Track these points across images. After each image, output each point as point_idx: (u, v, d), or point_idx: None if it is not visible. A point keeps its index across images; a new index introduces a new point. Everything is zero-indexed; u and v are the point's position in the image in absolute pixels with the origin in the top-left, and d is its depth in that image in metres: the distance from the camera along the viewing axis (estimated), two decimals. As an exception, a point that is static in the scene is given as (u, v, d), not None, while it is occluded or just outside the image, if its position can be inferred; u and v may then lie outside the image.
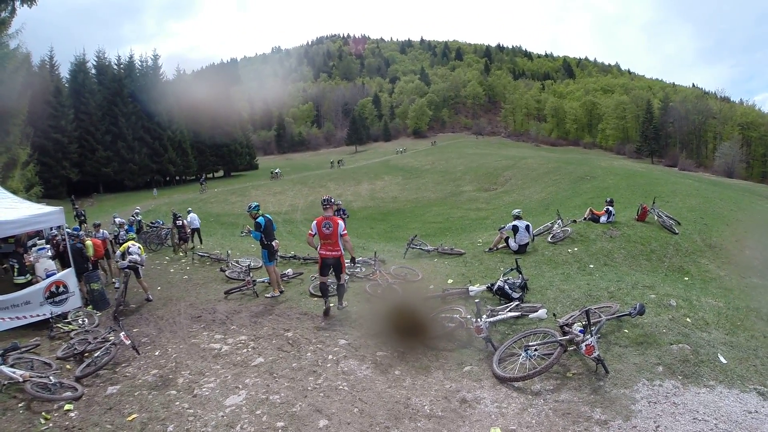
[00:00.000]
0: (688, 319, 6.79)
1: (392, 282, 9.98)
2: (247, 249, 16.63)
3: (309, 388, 5.86)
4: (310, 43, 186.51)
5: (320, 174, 60.23)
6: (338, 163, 73.16)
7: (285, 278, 11.05)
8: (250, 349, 7.26)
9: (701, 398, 5.05)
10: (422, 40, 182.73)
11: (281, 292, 9.96)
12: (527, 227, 13.43)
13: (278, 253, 11.13)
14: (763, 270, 14.66)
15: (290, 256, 13.89)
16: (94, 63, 62.13)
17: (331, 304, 8.47)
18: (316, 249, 8.54)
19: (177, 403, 5.74)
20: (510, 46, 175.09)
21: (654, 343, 6.00)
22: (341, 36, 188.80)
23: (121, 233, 14.84)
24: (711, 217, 19.24)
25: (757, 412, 4.85)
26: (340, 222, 8.34)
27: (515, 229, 13.12)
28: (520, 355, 5.81)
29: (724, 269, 13.78)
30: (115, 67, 63.50)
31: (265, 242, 9.73)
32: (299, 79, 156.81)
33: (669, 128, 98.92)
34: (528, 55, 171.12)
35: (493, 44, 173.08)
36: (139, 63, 65.17)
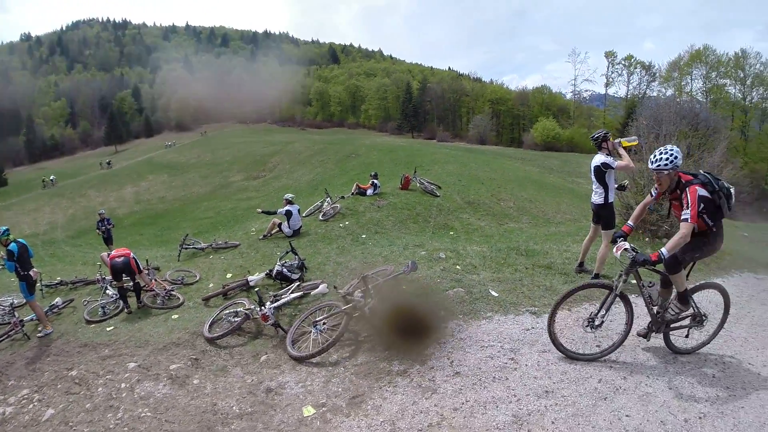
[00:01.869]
0: (458, 267, 7.77)
1: (171, 288, 9.34)
2: (6, 285, 14.04)
3: (111, 426, 5.28)
4: (64, 28, 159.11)
5: (78, 182, 53.50)
6: (107, 164, 66.13)
7: (56, 310, 9.66)
8: (36, 403, 6.21)
9: (483, 328, 5.92)
10: (188, 26, 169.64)
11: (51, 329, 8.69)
12: (299, 211, 13.78)
13: (43, 282, 9.70)
14: (517, 216, 17.48)
15: (56, 283, 11.98)
16: None
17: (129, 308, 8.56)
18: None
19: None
20: (277, 32, 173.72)
21: (432, 293, 6.74)
22: (99, 20, 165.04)
23: None
24: (468, 178, 22.09)
25: (533, 328, 5.94)
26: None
27: (288, 213, 13.32)
28: (311, 331, 6.00)
29: (484, 220, 15.98)
30: None
31: (22, 273, 8.35)
32: (51, 71, 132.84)
33: (427, 106, 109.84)
34: (295, 42, 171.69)
35: (261, 30, 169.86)
36: None
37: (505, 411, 4.40)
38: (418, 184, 18.28)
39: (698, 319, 5.35)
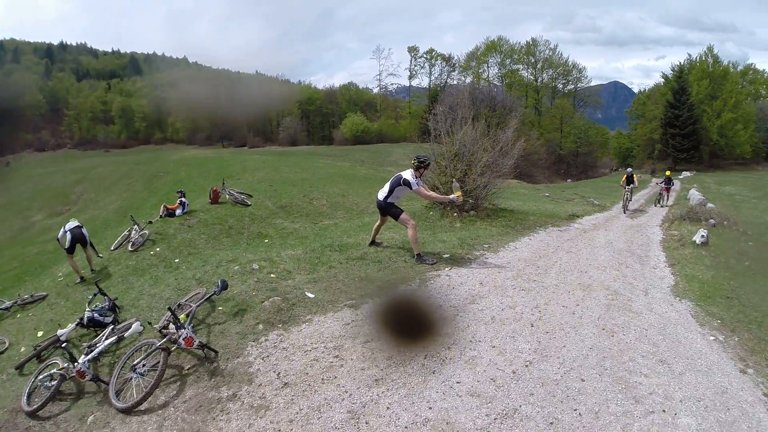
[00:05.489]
0: (272, 275, 7.47)
1: None
2: None
3: None
4: None
5: None
6: None
7: None
8: None
9: (304, 332, 5.70)
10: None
11: None
12: (78, 227, 13.20)
13: None
14: (330, 212, 17.66)
15: None
16: None
17: None
18: None
19: None
20: (74, 44, 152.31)
21: (248, 308, 6.34)
22: None
23: None
24: (279, 183, 21.81)
25: (353, 321, 5.88)
26: None
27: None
28: (132, 377, 5.34)
29: (298, 222, 15.88)
30: None
31: None
32: None
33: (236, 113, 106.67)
34: (93, 53, 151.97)
35: (56, 42, 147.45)
36: None
37: (340, 409, 4.29)
38: (227, 196, 17.55)
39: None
